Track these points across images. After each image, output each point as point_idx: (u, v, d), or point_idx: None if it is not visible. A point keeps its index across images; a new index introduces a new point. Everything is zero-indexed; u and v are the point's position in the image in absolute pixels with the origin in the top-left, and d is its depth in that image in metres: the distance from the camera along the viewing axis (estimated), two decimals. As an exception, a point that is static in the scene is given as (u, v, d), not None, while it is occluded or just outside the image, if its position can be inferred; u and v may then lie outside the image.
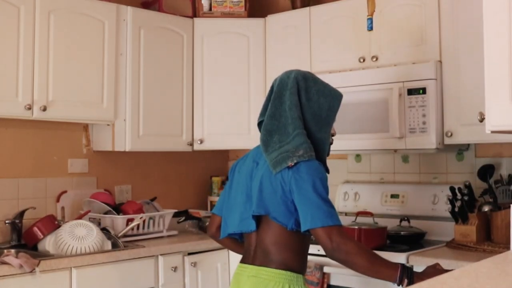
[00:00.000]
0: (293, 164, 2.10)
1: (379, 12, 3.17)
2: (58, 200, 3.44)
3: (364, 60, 3.28)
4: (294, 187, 2.09)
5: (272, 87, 2.30)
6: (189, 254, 3.28)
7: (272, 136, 2.21)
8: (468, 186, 3.01)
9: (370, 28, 3.06)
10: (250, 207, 2.22)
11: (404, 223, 3.23)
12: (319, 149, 2.23)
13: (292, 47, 3.63)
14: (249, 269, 2.22)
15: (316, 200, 2.06)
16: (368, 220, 3.10)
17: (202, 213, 3.87)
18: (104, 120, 3.39)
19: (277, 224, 2.16)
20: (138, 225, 3.33)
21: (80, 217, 3.28)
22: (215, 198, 4.05)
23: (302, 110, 2.21)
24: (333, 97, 2.27)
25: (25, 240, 3.09)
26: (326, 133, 2.27)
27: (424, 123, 3.00)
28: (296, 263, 2.19)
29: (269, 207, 2.16)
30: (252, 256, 2.24)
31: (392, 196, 3.43)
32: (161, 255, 3.15)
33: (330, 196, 2.15)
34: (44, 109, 3.07)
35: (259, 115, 2.34)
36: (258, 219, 2.21)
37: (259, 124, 2.32)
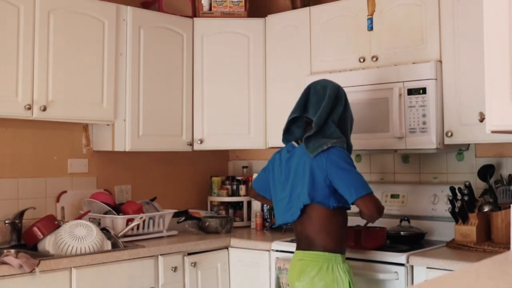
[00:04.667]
0: (326, 148, 2.57)
1: (379, 12, 3.17)
2: (58, 200, 3.44)
3: (364, 60, 3.28)
4: (331, 169, 2.56)
5: (308, 89, 2.75)
6: (189, 254, 3.28)
7: (317, 134, 2.63)
8: (468, 186, 3.01)
9: (370, 28, 3.06)
10: (289, 201, 2.69)
11: (404, 223, 3.23)
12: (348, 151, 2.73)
13: (292, 47, 3.63)
14: (296, 254, 2.70)
15: (352, 173, 2.58)
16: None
17: (202, 213, 3.87)
18: (104, 120, 3.39)
19: (320, 208, 2.60)
20: (138, 225, 3.33)
21: (80, 217, 3.28)
22: (215, 198, 4.05)
23: (342, 118, 2.71)
24: (352, 116, 2.80)
25: (25, 240, 3.08)
26: (350, 140, 2.78)
27: (424, 123, 3.00)
28: (333, 245, 2.61)
29: (313, 194, 2.60)
30: (298, 244, 2.72)
31: (392, 196, 3.43)
32: (161, 255, 3.15)
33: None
34: (44, 109, 3.07)
35: (293, 111, 2.74)
36: (302, 209, 2.64)
37: (292, 120, 2.75)
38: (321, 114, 2.63)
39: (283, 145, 2.86)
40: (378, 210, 2.60)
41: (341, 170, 2.57)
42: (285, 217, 2.72)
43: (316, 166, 2.59)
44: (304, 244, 2.66)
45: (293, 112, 2.75)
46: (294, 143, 2.78)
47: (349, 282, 2.57)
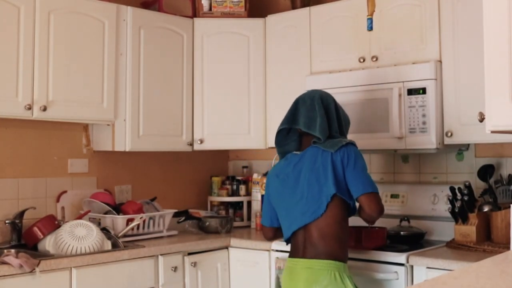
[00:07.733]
0: (344, 144, 2.62)
1: (379, 12, 3.17)
2: (58, 200, 3.44)
3: (364, 60, 3.28)
4: (347, 163, 2.60)
5: (297, 101, 2.79)
6: (189, 254, 3.28)
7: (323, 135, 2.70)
8: (468, 186, 3.01)
9: (370, 28, 3.06)
10: (306, 202, 2.62)
11: (404, 223, 3.23)
12: None
13: (292, 47, 3.63)
14: (301, 262, 2.60)
15: (364, 172, 2.64)
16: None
17: (202, 213, 3.88)
18: (104, 120, 3.39)
19: (339, 205, 2.60)
20: (138, 225, 3.33)
21: (80, 217, 3.28)
22: (215, 198, 4.05)
23: (339, 121, 2.78)
24: (347, 118, 2.89)
25: (25, 240, 3.09)
26: None
27: (424, 123, 3.00)
28: (340, 253, 2.59)
29: (337, 186, 2.59)
30: (302, 251, 2.62)
31: (392, 196, 3.43)
32: (161, 255, 3.15)
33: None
34: (44, 109, 3.07)
35: (281, 123, 2.79)
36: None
37: (280, 131, 2.81)
38: (322, 125, 2.69)
39: None
40: (379, 211, 2.61)
41: (355, 167, 2.62)
42: (305, 218, 2.62)
43: (337, 160, 2.62)
44: (309, 252, 2.59)
45: (281, 124, 2.81)
46: (295, 152, 2.80)
47: None
